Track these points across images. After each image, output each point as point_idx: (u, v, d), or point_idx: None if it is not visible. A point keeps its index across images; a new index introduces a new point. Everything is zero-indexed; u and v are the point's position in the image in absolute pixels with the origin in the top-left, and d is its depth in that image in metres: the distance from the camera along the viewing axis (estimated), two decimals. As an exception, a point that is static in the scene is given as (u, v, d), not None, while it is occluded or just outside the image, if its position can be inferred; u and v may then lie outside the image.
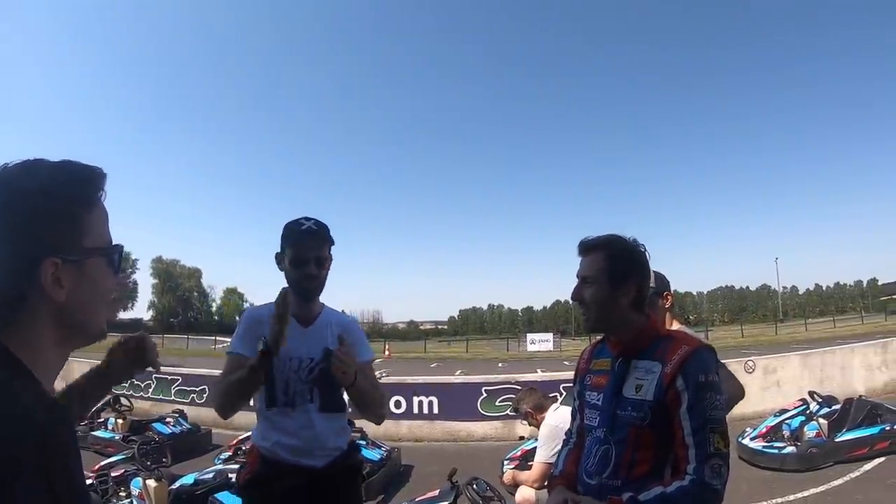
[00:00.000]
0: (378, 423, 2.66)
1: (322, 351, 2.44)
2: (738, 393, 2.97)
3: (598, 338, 2.18)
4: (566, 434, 2.37)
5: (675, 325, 3.01)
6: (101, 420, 9.57)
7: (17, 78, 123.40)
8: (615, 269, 1.93)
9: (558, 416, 4.39)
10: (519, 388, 9.57)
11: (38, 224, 0.90)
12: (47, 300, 0.91)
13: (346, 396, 2.52)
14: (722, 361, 2.92)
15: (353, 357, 2.30)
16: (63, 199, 0.93)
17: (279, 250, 2.50)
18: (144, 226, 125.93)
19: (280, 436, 2.39)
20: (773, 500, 6.00)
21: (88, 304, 0.97)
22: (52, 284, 0.90)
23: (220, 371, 2.55)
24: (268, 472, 2.39)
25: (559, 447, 4.17)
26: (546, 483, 4.29)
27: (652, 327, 2.00)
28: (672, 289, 3.16)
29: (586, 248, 2.01)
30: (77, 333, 0.98)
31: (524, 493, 4.36)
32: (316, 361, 2.44)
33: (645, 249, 2.03)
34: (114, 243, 1.02)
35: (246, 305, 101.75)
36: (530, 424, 4.79)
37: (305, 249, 2.41)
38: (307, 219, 2.47)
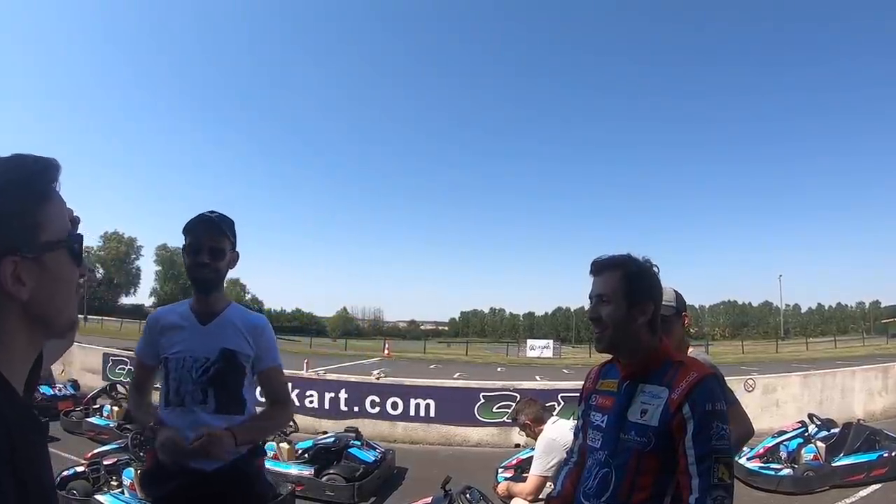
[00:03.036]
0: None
1: (219, 351, 2.37)
2: (747, 434, 2.85)
3: (607, 357, 2.14)
4: (567, 453, 2.35)
5: (691, 350, 2.96)
6: (97, 406, 9.57)
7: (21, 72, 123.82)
8: (632, 288, 1.91)
9: (556, 430, 4.37)
10: (517, 395, 9.56)
11: None
12: (11, 299, 0.89)
13: (246, 396, 2.46)
14: (736, 398, 2.88)
15: (217, 444, 2.12)
16: (15, 195, 0.90)
17: (184, 242, 2.43)
18: (151, 214, 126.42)
19: None
20: (768, 523, 5.96)
21: (54, 298, 0.95)
22: (13, 283, 0.88)
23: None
24: (159, 472, 2.33)
25: (555, 461, 4.18)
26: (540, 496, 4.27)
27: (663, 351, 1.97)
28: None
29: (600, 267, 1.99)
30: (47, 328, 0.96)
31: (518, 504, 4.34)
32: (212, 361, 2.36)
33: (658, 270, 2.02)
34: (74, 232, 1.00)
35: (247, 297, 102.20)
36: (528, 435, 4.77)
37: (199, 237, 2.35)
38: (211, 211, 2.42)
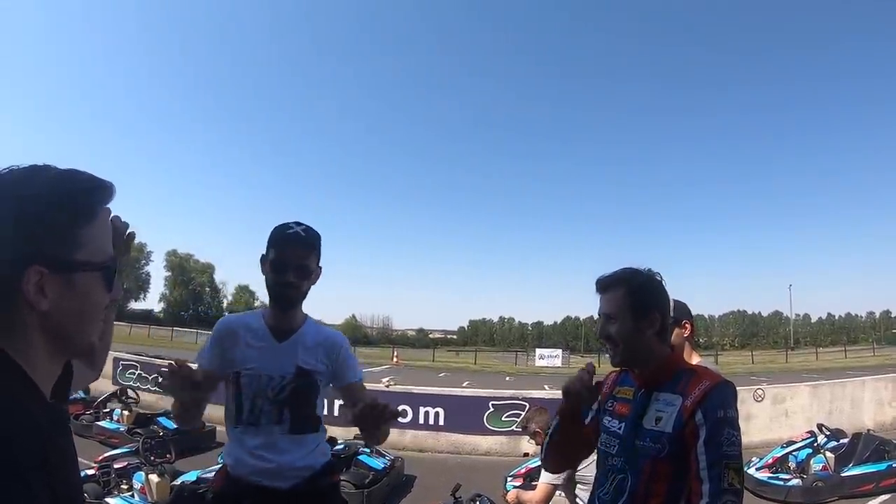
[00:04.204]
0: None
1: (295, 369, 2.29)
2: None
3: None
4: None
5: (696, 359, 3.01)
6: (108, 410, 9.62)
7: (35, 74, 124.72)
8: (636, 302, 1.95)
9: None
10: (526, 404, 9.58)
11: (26, 230, 0.87)
12: (32, 310, 0.88)
13: (319, 413, 2.42)
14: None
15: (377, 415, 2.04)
16: (57, 207, 0.90)
17: (264, 252, 2.33)
18: (161, 219, 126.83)
19: (244, 455, 2.26)
20: (777, 532, 5.96)
21: (76, 318, 0.93)
22: (35, 293, 0.87)
23: None
24: (231, 491, 2.29)
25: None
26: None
27: (674, 359, 2.03)
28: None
29: (604, 286, 2.03)
30: (65, 346, 0.94)
31: (527, 512, 4.36)
32: (287, 380, 2.28)
33: (662, 279, 2.05)
34: (112, 258, 0.98)
35: (257, 304, 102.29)
36: (537, 444, 4.80)
37: (287, 255, 2.24)
38: (297, 224, 2.30)
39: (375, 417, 2.03)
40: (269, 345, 2.31)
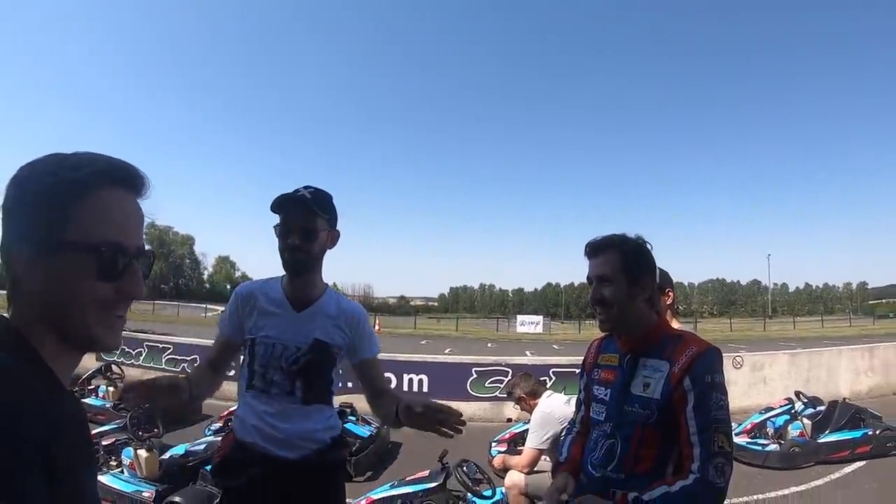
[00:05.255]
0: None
1: (312, 341, 2.24)
2: None
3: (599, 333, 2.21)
4: (569, 423, 2.41)
5: (676, 325, 3.03)
6: (93, 387, 9.53)
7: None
8: (630, 266, 1.96)
9: (551, 403, 4.44)
10: (509, 370, 9.64)
11: (20, 210, 0.85)
12: (29, 293, 0.86)
13: (332, 387, 2.38)
14: None
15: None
16: (50, 184, 0.85)
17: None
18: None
19: (256, 420, 2.22)
20: (754, 497, 6.08)
21: (65, 306, 0.86)
22: (25, 274, 0.85)
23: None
24: (239, 457, 2.24)
25: (550, 434, 4.26)
26: (535, 469, 4.36)
27: (661, 326, 2.04)
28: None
29: (597, 248, 2.02)
30: (65, 334, 0.88)
31: (513, 477, 4.42)
32: (303, 351, 2.23)
33: (651, 246, 2.06)
34: (111, 243, 0.88)
35: (237, 275, 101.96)
36: (522, 409, 4.84)
37: (291, 219, 2.18)
38: (306, 187, 2.23)
39: (441, 421, 2.00)
40: (287, 314, 2.26)
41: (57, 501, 0.75)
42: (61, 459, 0.77)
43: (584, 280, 2.08)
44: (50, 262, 0.84)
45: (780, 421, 7.66)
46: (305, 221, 2.18)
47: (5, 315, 0.87)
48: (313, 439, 2.26)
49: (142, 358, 12.06)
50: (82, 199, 0.86)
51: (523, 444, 4.92)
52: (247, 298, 2.30)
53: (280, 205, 2.18)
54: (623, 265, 1.96)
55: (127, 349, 11.87)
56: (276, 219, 2.22)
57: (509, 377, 8.62)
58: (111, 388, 9.27)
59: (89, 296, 0.86)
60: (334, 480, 2.41)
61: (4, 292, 0.85)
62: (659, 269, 2.93)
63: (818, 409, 7.88)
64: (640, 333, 2.00)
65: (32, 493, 0.71)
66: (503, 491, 4.44)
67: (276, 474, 2.19)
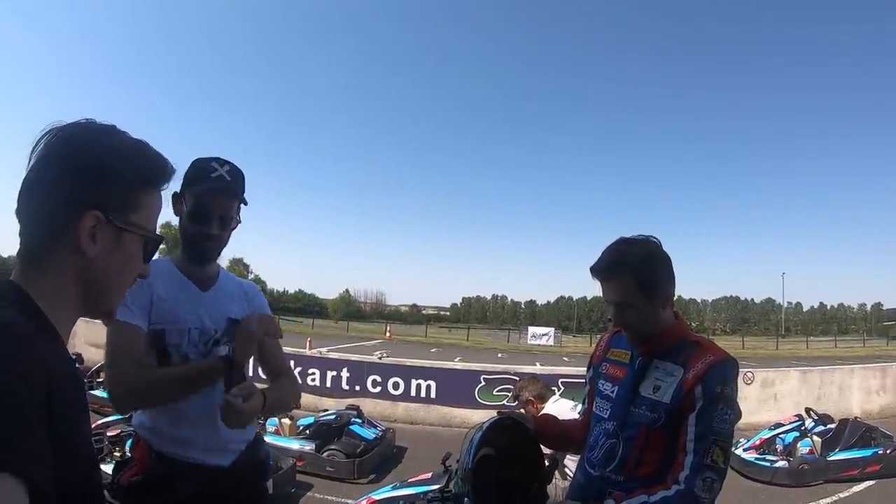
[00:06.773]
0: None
1: (226, 322, 1.99)
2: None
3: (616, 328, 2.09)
4: (580, 414, 2.34)
5: None
6: (100, 380, 9.58)
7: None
8: (645, 284, 1.85)
9: (557, 408, 4.42)
10: (517, 379, 9.61)
11: (96, 176, 0.91)
12: (77, 254, 0.90)
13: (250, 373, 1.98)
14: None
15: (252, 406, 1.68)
16: (131, 165, 0.95)
17: (179, 190, 1.93)
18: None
19: (180, 428, 1.87)
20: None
21: (112, 276, 0.97)
22: (87, 237, 0.90)
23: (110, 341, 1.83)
24: (165, 473, 1.85)
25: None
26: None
27: (679, 328, 1.94)
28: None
29: (605, 273, 1.91)
30: (93, 300, 0.96)
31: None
32: (221, 333, 1.98)
33: (658, 241, 1.94)
34: (156, 234, 1.03)
35: (250, 277, 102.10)
36: (529, 413, 4.82)
37: (210, 204, 1.90)
38: (221, 163, 1.92)
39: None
40: (193, 294, 1.98)
41: (59, 453, 0.77)
42: (60, 413, 0.79)
43: (596, 292, 1.98)
44: (117, 236, 0.95)
45: (790, 437, 7.57)
46: (227, 209, 1.94)
47: (11, 280, 0.91)
48: (240, 439, 2.00)
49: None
50: (149, 193, 1.00)
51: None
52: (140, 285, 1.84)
53: (202, 187, 1.88)
54: (638, 285, 1.85)
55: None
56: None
57: (520, 380, 8.59)
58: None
59: (134, 273, 1.01)
60: (262, 482, 2.21)
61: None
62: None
63: (828, 426, 7.78)
64: (657, 333, 1.91)
65: (37, 444, 0.73)
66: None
67: (208, 486, 1.88)
